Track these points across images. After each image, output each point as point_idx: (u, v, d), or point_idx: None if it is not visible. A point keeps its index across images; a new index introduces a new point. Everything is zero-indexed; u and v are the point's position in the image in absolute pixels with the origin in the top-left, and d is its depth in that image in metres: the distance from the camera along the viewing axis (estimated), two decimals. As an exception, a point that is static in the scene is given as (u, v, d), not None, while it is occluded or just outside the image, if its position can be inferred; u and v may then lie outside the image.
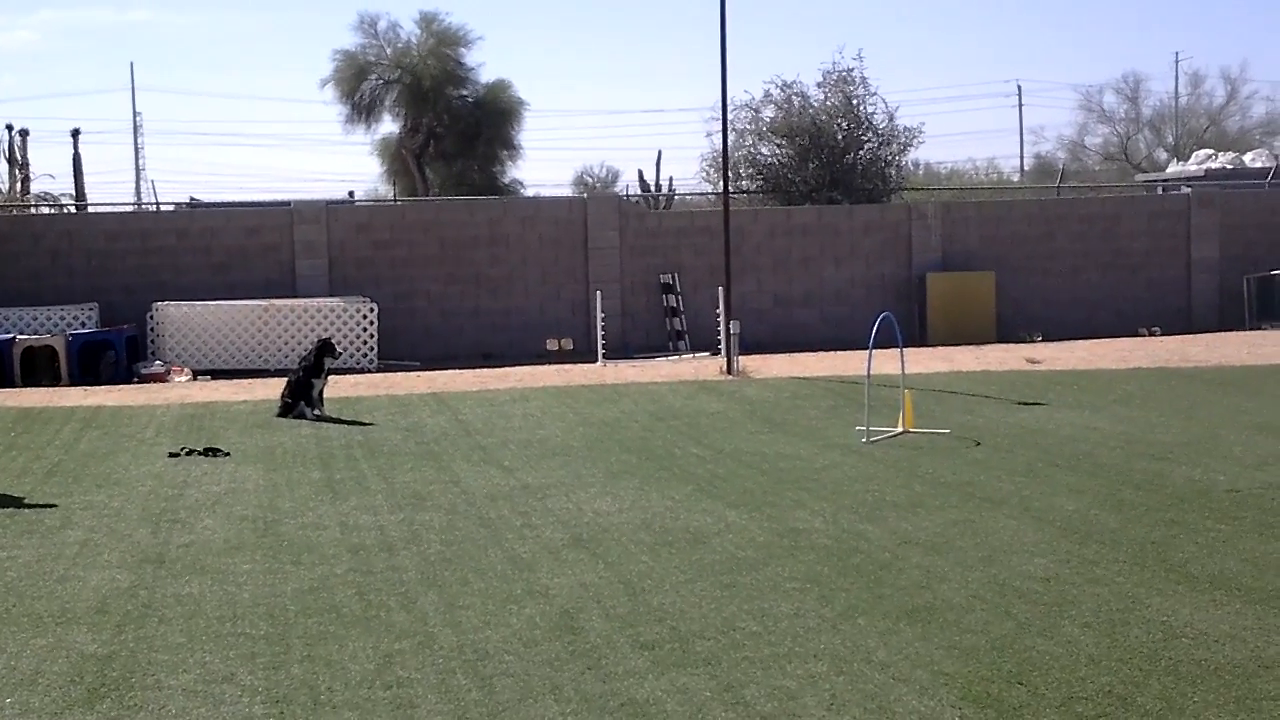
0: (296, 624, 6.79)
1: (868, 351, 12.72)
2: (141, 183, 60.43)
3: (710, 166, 27.99)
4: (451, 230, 22.96)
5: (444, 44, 36.10)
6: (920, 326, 22.90)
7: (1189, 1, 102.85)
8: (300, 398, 14.75)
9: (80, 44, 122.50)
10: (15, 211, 26.32)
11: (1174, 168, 35.50)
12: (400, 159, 37.36)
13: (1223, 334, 22.92)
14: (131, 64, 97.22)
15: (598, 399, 15.74)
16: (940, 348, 21.38)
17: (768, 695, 5.66)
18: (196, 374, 20.14)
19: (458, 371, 19.53)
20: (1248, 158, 33.41)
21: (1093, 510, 9.06)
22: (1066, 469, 10.62)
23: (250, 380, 19.06)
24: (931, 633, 6.42)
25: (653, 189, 31.58)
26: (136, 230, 22.54)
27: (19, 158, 30.09)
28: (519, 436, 13.05)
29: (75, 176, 31.12)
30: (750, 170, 27.72)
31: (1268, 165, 30.85)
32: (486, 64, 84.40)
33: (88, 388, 18.44)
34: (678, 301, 22.97)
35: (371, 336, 21.07)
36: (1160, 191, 29.93)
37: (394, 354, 21.64)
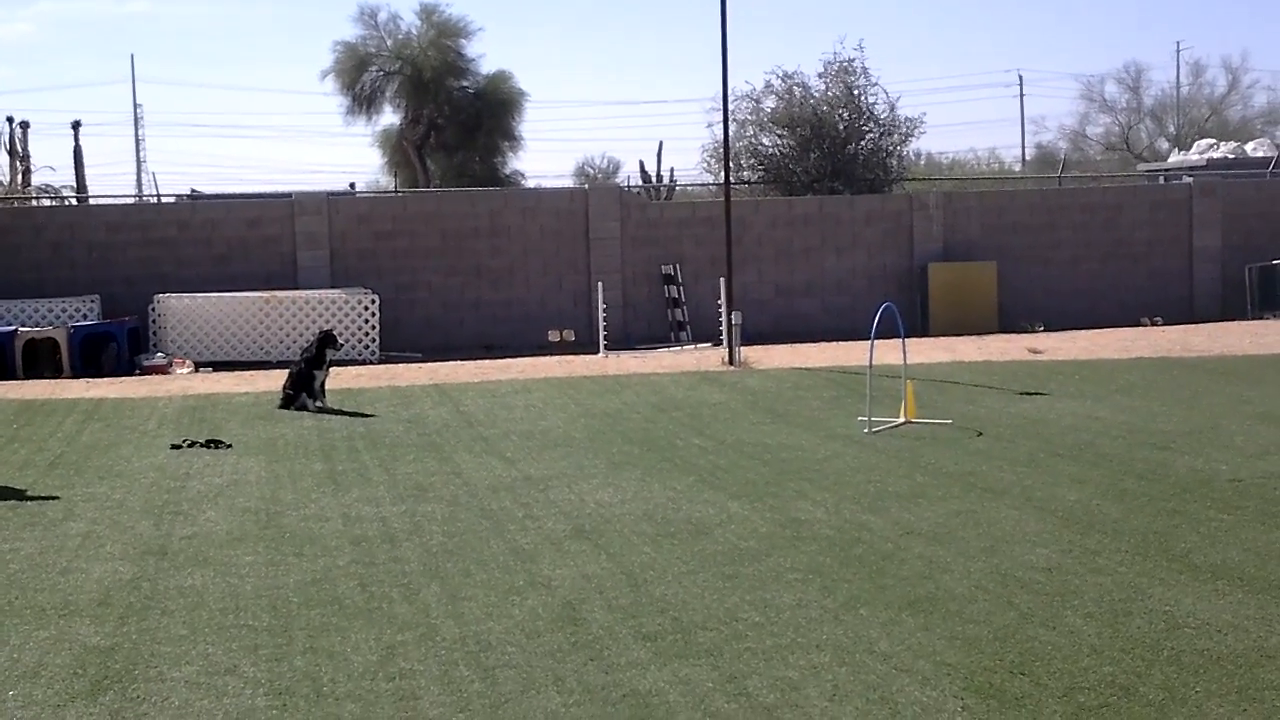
0: (299, 616, 6.80)
1: (869, 342, 12.71)
2: (142, 175, 60.48)
3: (711, 157, 28.00)
4: (453, 221, 22.95)
5: (444, 35, 36.05)
6: (922, 317, 22.88)
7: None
8: (302, 389, 14.75)
9: (80, 36, 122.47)
10: (16, 204, 26.31)
11: (1175, 157, 35.46)
12: (401, 150, 37.32)
13: (1225, 323, 22.91)
14: (132, 56, 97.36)
15: (599, 390, 15.74)
16: (942, 338, 21.37)
17: (770, 686, 5.66)
18: (198, 366, 20.14)
19: (459, 363, 19.53)
20: (1249, 147, 33.40)
21: (1095, 500, 9.06)
22: (1068, 459, 10.62)
23: (252, 372, 19.06)
24: (934, 623, 6.42)
25: (654, 180, 31.58)
26: (138, 222, 22.52)
27: (20, 150, 30.05)
28: (521, 428, 13.05)
29: (76, 169, 31.10)
30: (751, 161, 27.71)
31: (1269, 154, 30.84)
32: (487, 55, 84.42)
33: (90, 380, 18.45)
34: (679, 292, 22.96)
35: (373, 328, 21.07)
36: (1162, 181, 29.87)
37: (395, 345, 21.64)
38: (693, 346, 21.54)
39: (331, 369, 15.32)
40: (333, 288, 21.86)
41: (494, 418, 13.74)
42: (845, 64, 27.45)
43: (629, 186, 29.57)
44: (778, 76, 27.59)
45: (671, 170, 33.13)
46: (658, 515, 8.95)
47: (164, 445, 12.45)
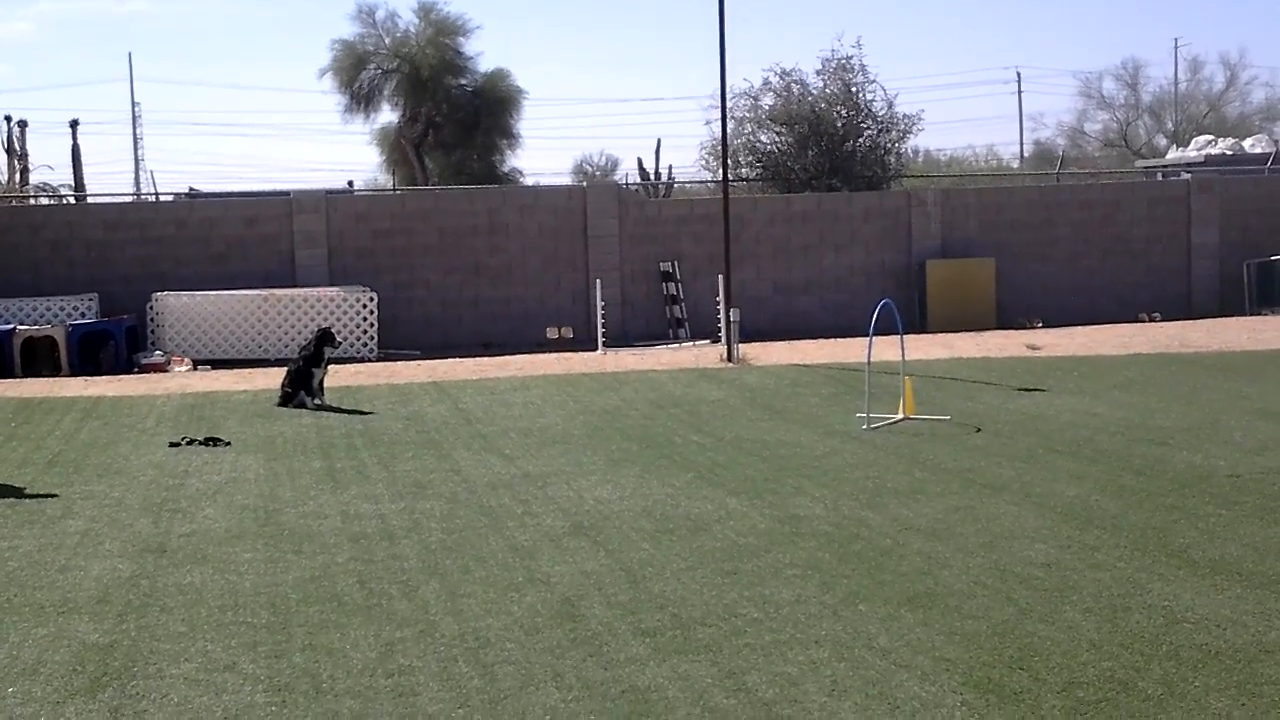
0: (298, 612, 6.80)
1: (868, 338, 12.72)
2: (140, 173, 60.42)
3: (710, 154, 27.94)
4: (451, 219, 22.94)
5: (442, 33, 36.02)
6: (920, 313, 22.88)
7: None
8: (300, 387, 14.75)
9: (78, 35, 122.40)
10: (14, 202, 26.29)
11: (1174, 154, 35.48)
12: (399, 148, 37.30)
13: (1223, 319, 22.91)
14: (130, 54, 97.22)
15: (598, 387, 15.74)
16: (940, 334, 21.36)
17: (769, 681, 5.66)
18: (196, 364, 20.13)
19: (458, 360, 19.52)
20: (1247, 143, 33.40)
21: (1093, 496, 9.07)
22: (1067, 455, 10.62)
23: (250, 370, 19.05)
24: (933, 619, 6.43)
25: (652, 177, 31.56)
26: (136, 221, 22.51)
27: (18, 149, 30.01)
28: (519, 425, 13.05)
29: (74, 167, 31.05)
30: (750, 158, 27.67)
31: (1267, 151, 30.83)
32: (485, 53, 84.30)
33: (88, 378, 18.44)
34: (677, 289, 22.96)
35: (371, 326, 21.06)
36: (1160, 177, 29.88)
37: (394, 343, 21.63)
38: (691, 343, 21.53)
39: (330, 367, 15.32)
40: (331, 286, 21.85)
41: (492, 415, 13.74)
42: (843, 61, 27.42)
43: (627, 184, 29.56)
44: (776, 74, 27.57)
45: (670, 168, 33.15)
46: (656, 512, 8.95)
47: (162, 443, 12.45)
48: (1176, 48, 79.35)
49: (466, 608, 6.80)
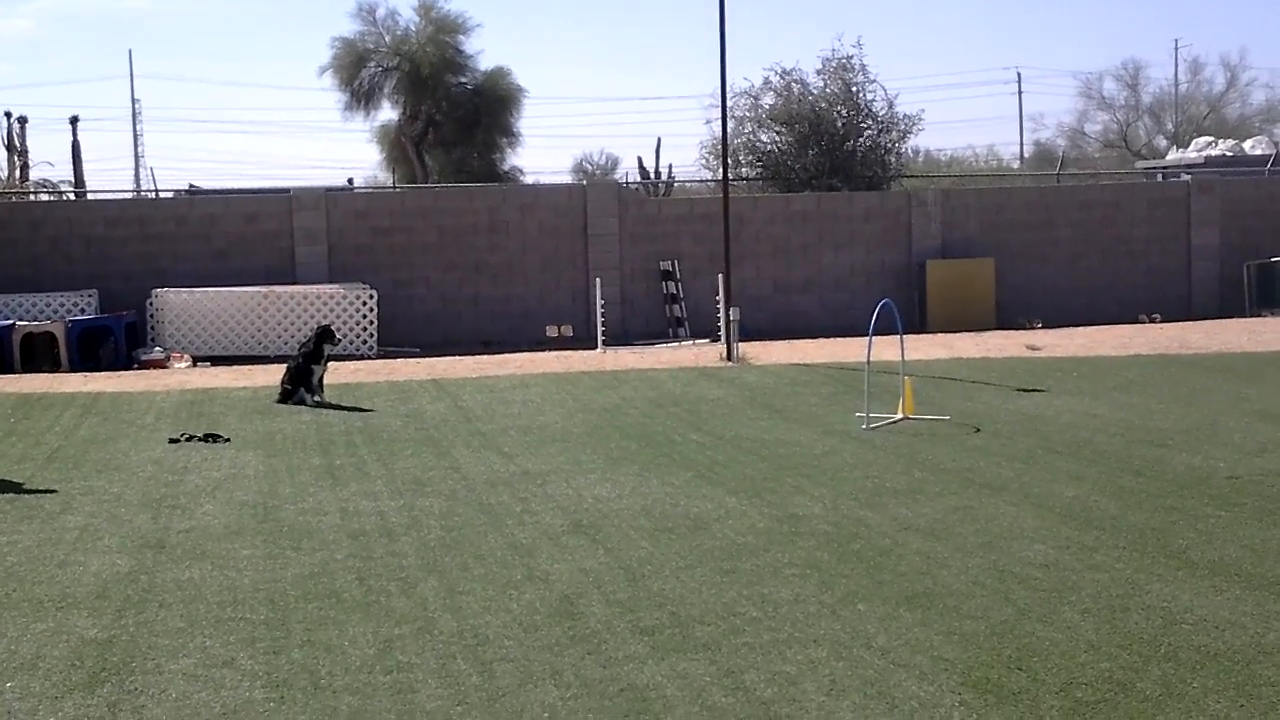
0: (296, 609, 6.80)
1: (868, 338, 12.72)
2: (140, 170, 60.45)
3: (710, 153, 27.93)
4: (451, 217, 22.94)
5: (443, 31, 36.02)
6: (920, 313, 22.89)
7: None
8: (300, 384, 14.75)
9: (78, 31, 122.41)
10: (14, 198, 26.29)
11: (1174, 155, 35.47)
12: (399, 146, 37.29)
13: (1223, 321, 22.91)
14: (130, 51, 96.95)
15: (597, 385, 15.74)
16: (940, 334, 21.36)
17: (767, 680, 5.66)
18: (196, 360, 20.13)
19: (457, 358, 19.51)
20: (1247, 145, 33.41)
21: (1092, 497, 9.07)
22: (1066, 455, 10.62)
23: (250, 367, 19.05)
24: (931, 618, 6.43)
25: (652, 176, 31.56)
26: (136, 217, 22.52)
27: (18, 145, 30.02)
28: (519, 423, 13.05)
29: (74, 163, 31.05)
30: (750, 157, 27.66)
31: (1267, 152, 30.84)
32: (485, 51, 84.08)
33: (87, 374, 18.43)
34: (677, 288, 22.96)
35: (371, 323, 21.07)
36: (1160, 178, 29.89)
37: (394, 340, 21.63)
38: (691, 342, 21.54)
39: (329, 364, 15.32)
40: (331, 283, 21.86)
41: (492, 413, 13.74)
42: (844, 61, 27.42)
43: (627, 183, 29.56)
44: (776, 73, 27.55)
45: (670, 166, 33.17)
46: (655, 510, 8.95)
47: (162, 439, 12.45)
48: (1177, 49, 79.52)
49: (465, 605, 6.80)
